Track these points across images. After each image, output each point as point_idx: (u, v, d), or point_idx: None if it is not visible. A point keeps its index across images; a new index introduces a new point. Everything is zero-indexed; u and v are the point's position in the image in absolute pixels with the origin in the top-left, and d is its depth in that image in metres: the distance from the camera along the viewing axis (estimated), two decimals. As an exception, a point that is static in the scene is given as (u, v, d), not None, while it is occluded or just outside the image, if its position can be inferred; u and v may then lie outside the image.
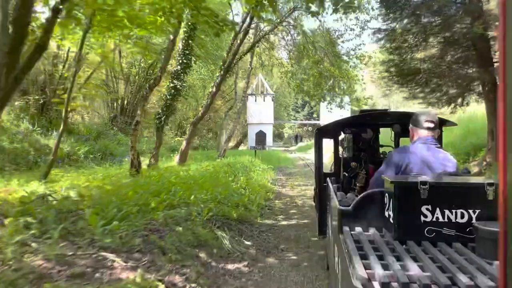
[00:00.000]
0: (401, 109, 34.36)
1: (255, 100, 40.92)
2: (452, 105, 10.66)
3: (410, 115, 3.14)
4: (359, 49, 15.71)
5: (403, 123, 3.88)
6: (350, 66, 15.33)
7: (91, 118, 30.25)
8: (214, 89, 14.43)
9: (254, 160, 16.45)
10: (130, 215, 5.17)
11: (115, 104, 23.99)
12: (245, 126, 43.53)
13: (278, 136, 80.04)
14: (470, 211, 2.09)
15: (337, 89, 15.90)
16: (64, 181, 8.77)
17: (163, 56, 12.56)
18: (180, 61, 12.47)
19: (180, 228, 4.82)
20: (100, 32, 8.38)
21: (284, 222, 7.66)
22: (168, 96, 12.48)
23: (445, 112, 10.70)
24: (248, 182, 10.76)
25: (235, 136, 54.14)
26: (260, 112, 40.92)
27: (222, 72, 14.11)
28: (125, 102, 24.19)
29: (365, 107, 19.17)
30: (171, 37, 10.04)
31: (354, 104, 16.15)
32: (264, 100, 41.03)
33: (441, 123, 3.75)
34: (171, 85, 12.43)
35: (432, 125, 2.79)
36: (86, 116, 31.32)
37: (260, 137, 41.04)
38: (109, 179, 9.23)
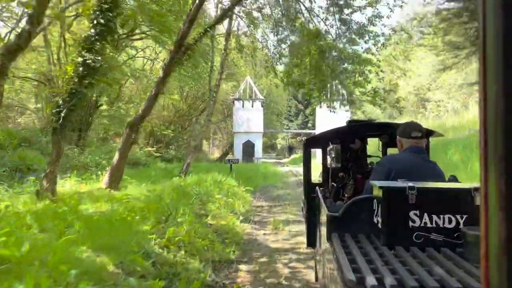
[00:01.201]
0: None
1: (242, 106, 36.12)
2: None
3: (397, 126, 3.24)
4: (373, 25, 11.06)
5: (390, 134, 3.90)
6: (365, 42, 10.70)
7: (41, 120, 25.28)
8: (161, 74, 9.63)
9: (225, 180, 11.57)
10: None
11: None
12: (232, 135, 38.70)
13: (271, 147, 75.50)
14: (458, 216, 2.08)
15: (342, 78, 11.11)
16: None
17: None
18: (95, 22, 7.65)
19: None
20: None
21: None
22: (75, 78, 7.63)
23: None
24: (193, 229, 5.87)
25: (223, 146, 49.24)
26: (248, 120, 36.06)
27: (173, 49, 9.35)
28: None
29: (384, 109, 14.24)
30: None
31: (367, 99, 11.16)
32: (252, 106, 36.22)
33: (428, 134, 3.72)
34: (79, 59, 7.59)
35: (419, 134, 2.79)
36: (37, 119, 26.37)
37: (248, 147, 36.14)
38: None
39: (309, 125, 50.66)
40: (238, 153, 35.95)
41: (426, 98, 28.51)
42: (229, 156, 39.13)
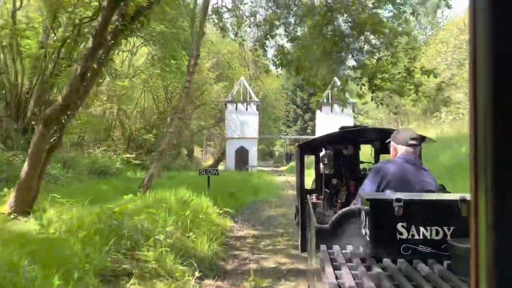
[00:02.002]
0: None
1: (236, 109, 32.88)
2: None
3: (390, 131, 3.19)
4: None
5: (382, 140, 3.85)
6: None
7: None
8: (90, 44, 6.48)
9: (192, 200, 8.30)
10: None
11: (8, 98, 15.78)
12: (224, 140, 35.51)
13: (269, 154, 72.22)
14: (445, 228, 2.07)
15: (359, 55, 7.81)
16: None
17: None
18: None
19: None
20: None
21: None
22: None
23: None
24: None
25: (215, 153, 45.95)
26: (242, 124, 32.80)
27: (107, 5, 6.24)
28: (27, 95, 16.04)
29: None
30: None
31: (393, 88, 7.86)
32: (247, 109, 32.99)
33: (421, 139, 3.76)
34: None
35: (415, 142, 2.75)
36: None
37: (242, 154, 32.86)
38: None
39: (308, 130, 47.58)
40: (230, 160, 32.75)
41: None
42: (221, 165, 35.86)
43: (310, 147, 5.10)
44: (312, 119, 50.41)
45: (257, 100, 33.81)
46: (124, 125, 24.24)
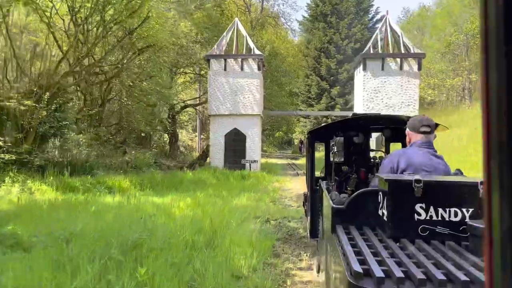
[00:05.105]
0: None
1: (224, 68, 20.42)
2: None
3: (403, 119, 3.37)
4: None
5: (394, 128, 4.07)
6: None
7: None
8: None
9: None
10: None
11: None
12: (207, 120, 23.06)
13: (287, 143, 60.49)
14: (464, 209, 2.09)
15: None
16: None
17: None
18: None
19: None
20: None
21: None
22: None
23: None
24: None
25: (202, 141, 33.93)
26: (235, 93, 20.43)
27: None
28: None
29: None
30: None
31: None
32: (242, 68, 20.50)
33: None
34: None
35: (428, 129, 2.86)
36: None
37: (236, 142, 20.49)
38: None
39: (337, 109, 34.78)
40: (217, 152, 20.41)
41: None
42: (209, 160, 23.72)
43: (320, 134, 5.24)
44: (342, 94, 37.45)
45: (260, 53, 21.09)
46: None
